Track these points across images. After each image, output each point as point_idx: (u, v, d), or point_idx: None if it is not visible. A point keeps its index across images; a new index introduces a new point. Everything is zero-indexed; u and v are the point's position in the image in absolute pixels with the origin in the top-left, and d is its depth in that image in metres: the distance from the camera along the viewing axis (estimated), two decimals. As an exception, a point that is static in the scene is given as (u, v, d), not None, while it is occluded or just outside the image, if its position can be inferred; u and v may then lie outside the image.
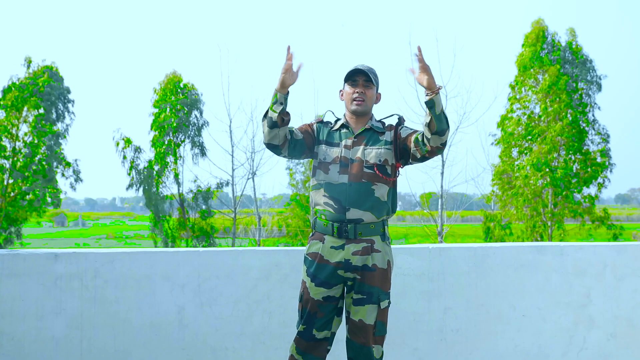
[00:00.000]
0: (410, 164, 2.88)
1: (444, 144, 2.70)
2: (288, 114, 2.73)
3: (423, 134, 2.71)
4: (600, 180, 20.36)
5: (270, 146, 2.77)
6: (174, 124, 22.64)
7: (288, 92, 2.71)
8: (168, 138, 22.89)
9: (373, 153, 2.82)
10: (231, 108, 19.13)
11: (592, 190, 20.54)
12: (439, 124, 2.63)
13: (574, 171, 19.93)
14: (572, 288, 3.78)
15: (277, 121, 2.69)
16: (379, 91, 2.94)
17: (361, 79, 2.86)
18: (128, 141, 22.83)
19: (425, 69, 2.61)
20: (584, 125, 20.29)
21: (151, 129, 23.16)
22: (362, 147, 2.84)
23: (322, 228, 2.82)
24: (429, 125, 2.65)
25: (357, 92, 2.85)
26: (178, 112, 22.80)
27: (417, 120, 16.19)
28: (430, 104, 2.62)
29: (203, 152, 23.37)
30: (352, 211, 2.76)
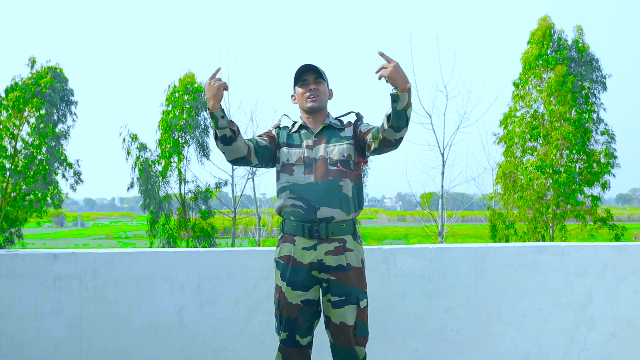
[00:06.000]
0: (366, 156, 2.85)
1: (397, 141, 2.65)
2: (233, 122, 2.70)
3: (382, 124, 2.68)
4: (603, 180, 20.24)
5: (237, 161, 2.75)
6: (180, 125, 22.64)
7: (221, 106, 2.65)
8: (174, 137, 22.88)
9: (336, 150, 2.81)
10: (231, 108, 19.12)
11: (594, 190, 20.42)
12: (396, 119, 2.57)
13: (578, 170, 19.79)
14: (572, 288, 3.77)
15: (230, 134, 2.66)
16: (329, 87, 2.95)
17: (310, 77, 2.87)
18: (135, 138, 22.80)
19: (395, 66, 2.52)
20: (588, 124, 20.16)
21: (158, 127, 23.15)
22: (323, 145, 2.83)
23: (292, 229, 2.77)
24: (388, 116, 2.61)
25: (310, 90, 2.86)
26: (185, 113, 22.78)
27: (416, 120, 16.25)
28: (395, 98, 2.55)
29: (206, 154, 23.37)
30: (322, 209, 2.72)
